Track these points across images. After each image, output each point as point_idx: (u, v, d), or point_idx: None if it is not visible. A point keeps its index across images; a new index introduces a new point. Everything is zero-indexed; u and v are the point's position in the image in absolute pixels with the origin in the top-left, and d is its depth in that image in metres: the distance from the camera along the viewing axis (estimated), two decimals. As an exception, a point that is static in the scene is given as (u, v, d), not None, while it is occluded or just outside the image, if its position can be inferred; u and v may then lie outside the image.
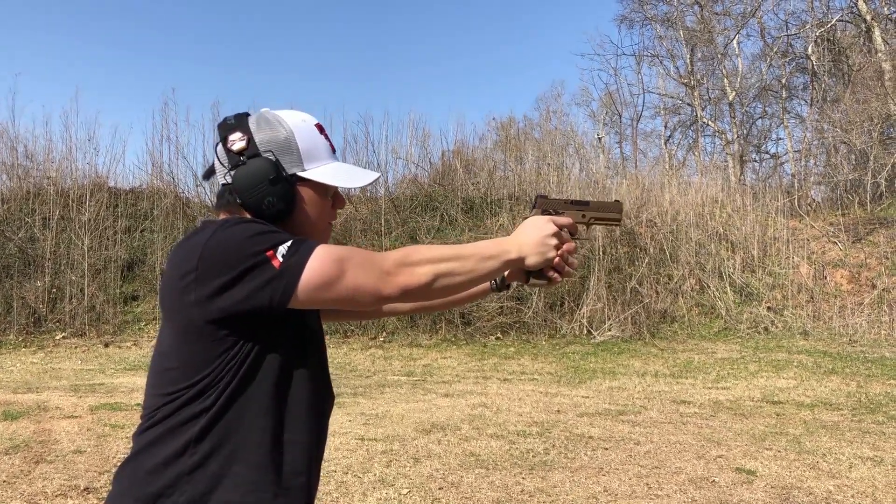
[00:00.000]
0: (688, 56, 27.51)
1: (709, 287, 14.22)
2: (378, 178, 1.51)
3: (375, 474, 4.92)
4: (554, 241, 1.45)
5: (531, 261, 1.44)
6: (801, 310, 13.74)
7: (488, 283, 1.74)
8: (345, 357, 11.29)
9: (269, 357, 1.32)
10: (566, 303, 13.31)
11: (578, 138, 21.46)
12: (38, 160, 15.45)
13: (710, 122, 27.28)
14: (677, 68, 28.58)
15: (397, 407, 7.27)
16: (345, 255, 1.27)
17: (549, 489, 4.68)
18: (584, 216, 1.64)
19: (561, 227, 1.48)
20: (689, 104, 28.26)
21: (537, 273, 1.53)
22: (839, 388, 8.84)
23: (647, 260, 14.27)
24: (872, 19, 20.52)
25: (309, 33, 51.05)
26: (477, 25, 53.96)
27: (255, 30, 50.37)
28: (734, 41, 26.26)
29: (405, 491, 4.59)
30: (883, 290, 13.75)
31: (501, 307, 12.94)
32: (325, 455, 5.18)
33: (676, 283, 14.22)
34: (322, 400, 1.45)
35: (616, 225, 1.70)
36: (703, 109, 27.24)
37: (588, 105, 32.25)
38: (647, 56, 29.56)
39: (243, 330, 1.28)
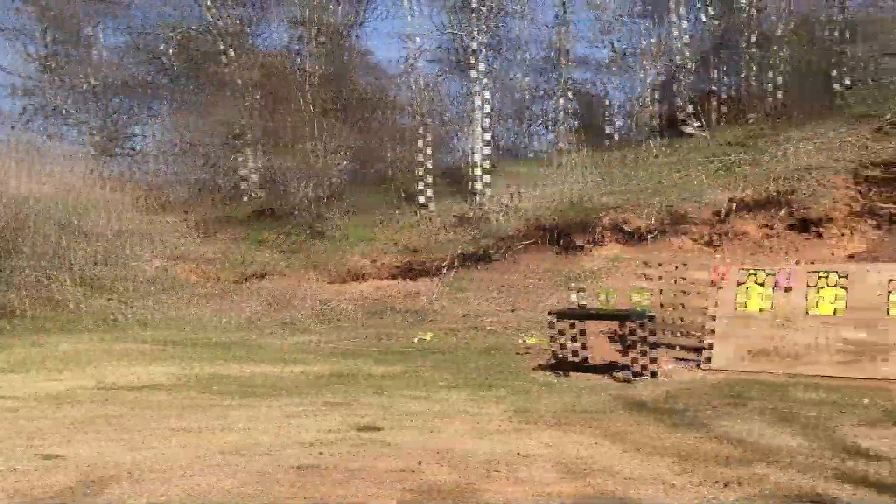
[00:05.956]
0: (48, 37, 25.67)
1: (57, 279, 13.57)
2: None
3: None
4: None
5: None
6: (150, 300, 14.18)
7: None
8: None
9: None
10: None
11: None
12: None
13: (72, 112, 25.98)
14: (35, 48, 26.37)
15: None
16: None
17: None
18: None
19: None
20: (49, 89, 26.34)
21: None
22: (172, 372, 9.35)
23: (-17, 250, 12.91)
24: (227, 35, 22.45)
25: None
26: None
27: None
28: (97, 30, 25.64)
29: None
30: (224, 282, 15.12)
31: None
32: None
33: (20, 275, 13.20)
34: None
35: None
36: (66, 98, 25.72)
37: None
38: (-5, 27, 26.38)
39: None
